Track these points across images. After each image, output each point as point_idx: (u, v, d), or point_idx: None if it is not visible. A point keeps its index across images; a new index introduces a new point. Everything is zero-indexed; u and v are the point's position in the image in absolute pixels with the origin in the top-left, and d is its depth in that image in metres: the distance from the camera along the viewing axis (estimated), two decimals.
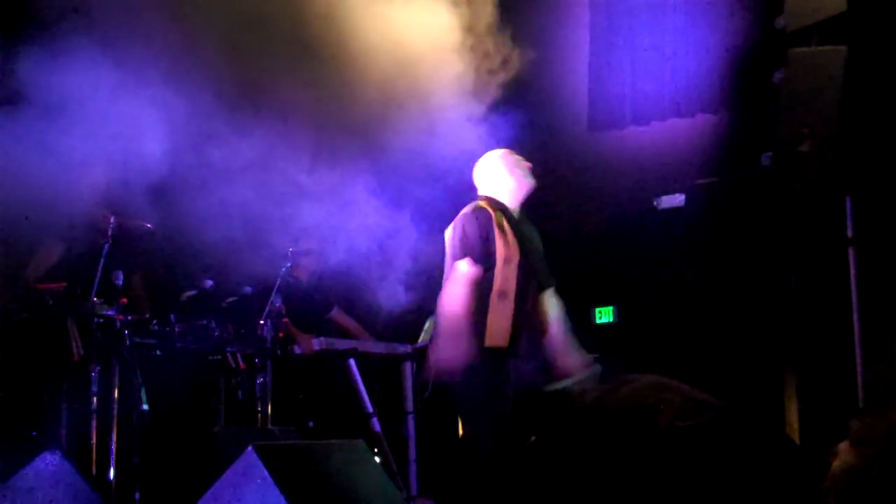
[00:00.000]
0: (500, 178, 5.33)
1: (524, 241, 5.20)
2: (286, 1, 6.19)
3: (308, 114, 6.27)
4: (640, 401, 1.92)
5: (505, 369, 5.04)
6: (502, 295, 5.02)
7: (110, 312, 5.85)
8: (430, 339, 5.35)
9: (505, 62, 6.60)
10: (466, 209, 5.24)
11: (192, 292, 6.79)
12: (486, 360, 4.97)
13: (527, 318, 5.12)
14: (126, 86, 5.88)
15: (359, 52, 6.25)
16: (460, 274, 5.04)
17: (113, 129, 5.90)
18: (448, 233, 5.24)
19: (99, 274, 5.85)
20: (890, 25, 5.10)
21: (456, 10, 6.55)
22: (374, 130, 6.34)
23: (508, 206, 5.30)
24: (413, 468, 7.02)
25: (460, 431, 5.63)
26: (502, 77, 6.45)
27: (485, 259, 5.08)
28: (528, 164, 5.37)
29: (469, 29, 6.60)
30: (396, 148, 6.42)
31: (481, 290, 5.04)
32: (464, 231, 5.12)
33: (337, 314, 7.52)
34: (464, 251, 5.07)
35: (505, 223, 5.17)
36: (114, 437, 5.68)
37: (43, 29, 5.84)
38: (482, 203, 5.25)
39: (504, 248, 5.08)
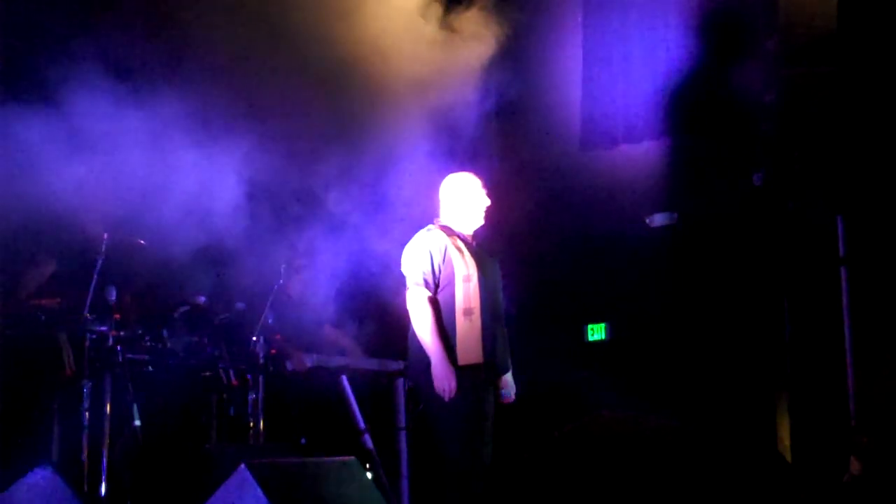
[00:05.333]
0: (460, 202, 5.32)
1: (482, 261, 5.22)
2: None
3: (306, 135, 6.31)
4: (611, 431, 1.94)
5: (483, 386, 5.05)
6: (467, 312, 5.03)
7: (103, 328, 5.84)
8: (408, 359, 5.35)
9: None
10: (420, 232, 5.27)
11: (185, 308, 6.77)
12: (464, 379, 4.98)
13: (494, 332, 5.13)
14: (124, 104, 5.91)
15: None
16: (417, 298, 5.05)
17: (107, 147, 5.91)
18: (403, 254, 5.25)
19: (92, 290, 5.84)
20: (880, 47, 5.14)
21: (449, 31, 6.61)
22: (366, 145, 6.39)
23: (461, 232, 5.31)
24: (405, 485, 6.99)
25: None
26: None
27: (443, 278, 5.09)
28: (488, 202, 5.35)
29: (462, 46, 6.65)
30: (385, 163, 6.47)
31: (445, 309, 5.06)
32: (418, 252, 5.14)
33: (329, 331, 7.51)
34: (420, 273, 5.09)
35: (460, 244, 5.20)
36: (105, 453, 5.67)
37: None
38: (435, 227, 5.28)
39: (463, 267, 5.10)
